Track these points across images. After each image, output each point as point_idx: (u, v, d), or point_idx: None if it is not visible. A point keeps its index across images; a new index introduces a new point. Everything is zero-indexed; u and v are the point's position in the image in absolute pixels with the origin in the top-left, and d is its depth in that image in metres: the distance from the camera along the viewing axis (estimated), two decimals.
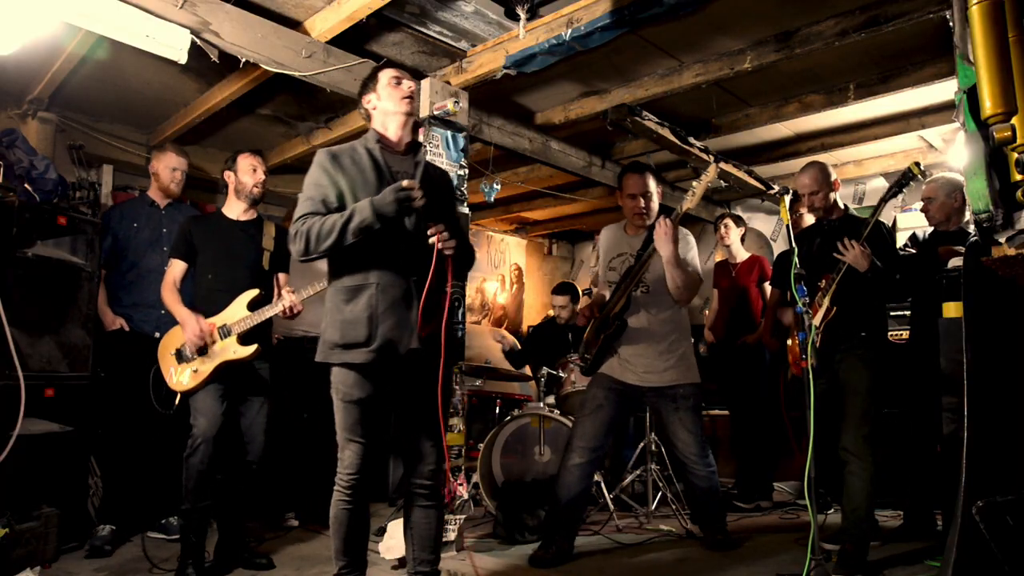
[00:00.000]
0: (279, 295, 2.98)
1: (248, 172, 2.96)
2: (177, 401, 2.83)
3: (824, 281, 2.84)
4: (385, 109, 2.22)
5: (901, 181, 2.78)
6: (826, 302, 2.79)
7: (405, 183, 2.02)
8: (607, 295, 3.19)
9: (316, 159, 2.16)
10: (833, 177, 3.07)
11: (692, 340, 3.30)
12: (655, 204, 3.19)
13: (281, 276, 3.08)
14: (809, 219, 3.82)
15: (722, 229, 4.57)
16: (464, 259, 2.28)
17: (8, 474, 2.67)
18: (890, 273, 2.85)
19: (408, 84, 2.24)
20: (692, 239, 3.18)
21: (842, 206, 3.10)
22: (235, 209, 3.00)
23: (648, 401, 3.23)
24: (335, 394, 2.13)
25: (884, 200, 2.78)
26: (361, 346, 2.05)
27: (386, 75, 2.24)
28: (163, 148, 3.64)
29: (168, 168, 3.51)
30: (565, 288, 4.90)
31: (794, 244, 2.57)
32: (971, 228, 3.36)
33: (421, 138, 3.37)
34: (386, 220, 2.01)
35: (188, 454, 2.74)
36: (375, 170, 2.16)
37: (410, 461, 2.21)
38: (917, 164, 2.72)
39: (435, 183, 2.25)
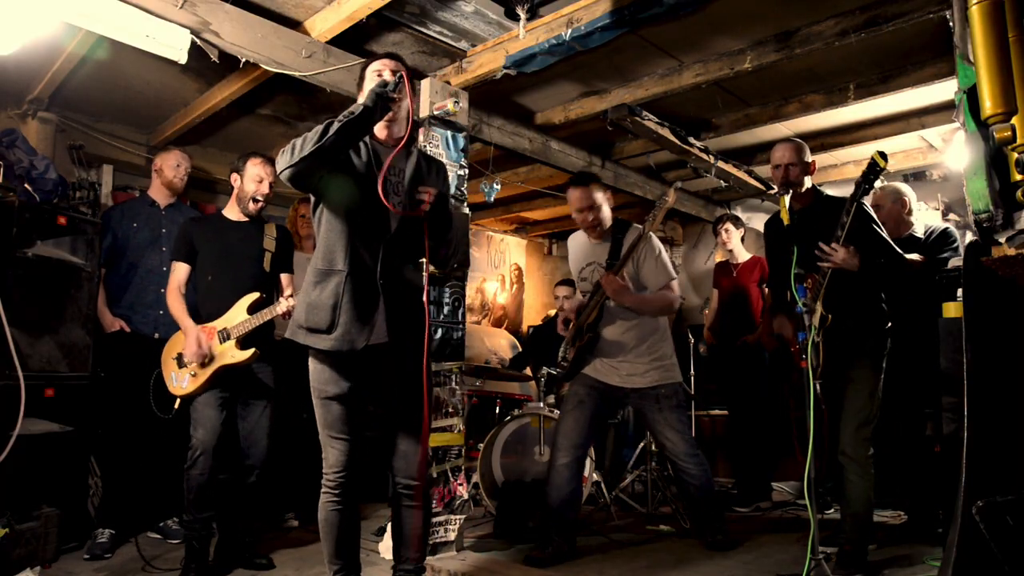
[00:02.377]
0: (282, 296, 2.98)
1: (254, 180, 2.93)
2: (177, 405, 2.83)
3: (810, 281, 2.66)
4: None
5: (868, 175, 2.59)
6: (819, 308, 2.61)
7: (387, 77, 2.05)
8: (586, 300, 3.19)
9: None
10: (811, 158, 2.95)
11: (671, 340, 3.25)
12: (605, 213, 3.13)
13: (284, 277, 3.07)
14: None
15: (723, 233, 4.56)
16: (442, 234, 2.15)
17: (8, 474, 2.67)
18: (890, 259, 2.73)
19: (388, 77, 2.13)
20: (656, 246, 3.10)
21: (809, 185, 2.94)
22: (235, 211, 2.99)
23: (631, 403, 3.23)
24: (313, 393, 2.10)
25: (855, 198, 2.62)
26: (322, 332, 2.02)
27: (370, 70, 2.18)
28: (167, 148, 3.71)
29: (172, 165, 3.54)
30: (569, 282, 4.96)
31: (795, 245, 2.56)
32: (918, 233, 3.44)
33: (421, 139, 3.36)
34: (370, 111, 1.97)
35: (188, 466, 2.75)
36: (366, 156, 2.11)
37: (392, 461, 2.17)
38: (882, 154, 2.54)
39: (424, 172, 2.21)
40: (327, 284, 2.04)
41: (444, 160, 3.39)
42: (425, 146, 3.32)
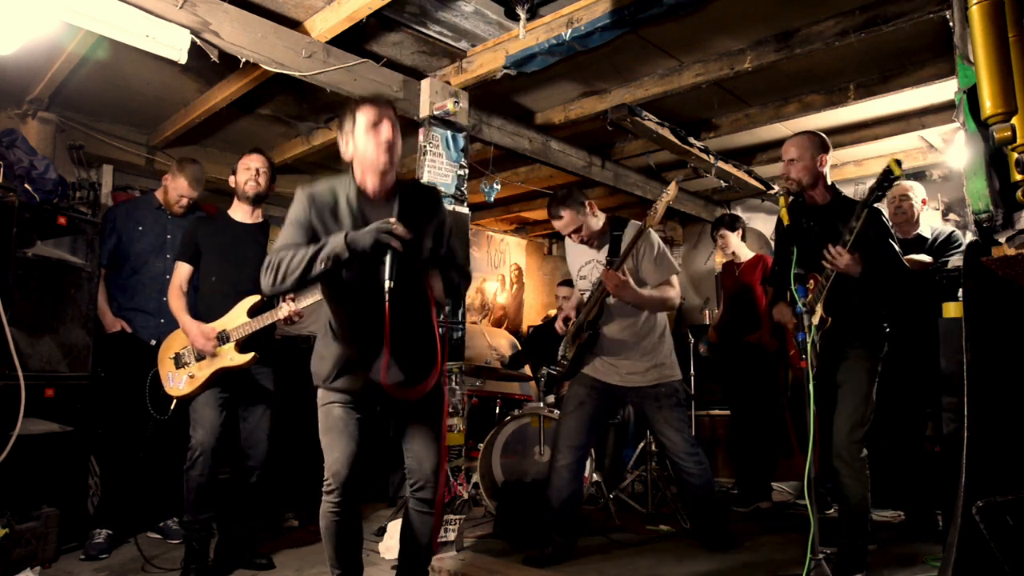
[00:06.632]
0: (282, 300, 2.98)
1: (242, 170, 2.94)
2: (173, 406, 2.83)
3: (812, 282, 2.62)
4: (362, 159, 2.02)
5: (882, 183, 2.51)
6: (819, 309, 2.57)
7: (392, 220, 1.91)
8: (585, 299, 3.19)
9: (297, 195, 2.08)
10: (821, 153, 2.76)
11: (670, 338, 3.24)
12: (591, 223, 3.10)
13: None
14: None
15: (719, 240, 4.46)
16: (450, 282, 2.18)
17: (8, 474, 2.68)
18: (893, 274, 2.69)
19: (387, 131, 1.99)
20: (655, 241, 3.09)
21: (828, 183, 2.82)
22: (240, 211, 2.99)
23: (631, 402, 3.22)
24: (317, 402, 2.15)
25: (867, 204, 2.54)
26: (325, 379, 2.09)
27: (363, 117, 2.00)
28: (183, 168, 3.41)
29: (176, 192, 3.40)
30: (571, 282, 4.98)
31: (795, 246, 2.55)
32: (925, 234, 3.39)
33: (421, 139, 3.36)
34: (358, 256, 1.89)
35: (188, 467, 2.74)
36: (350, 218, 2.04)
37: (405, 465, 2.20)
38: (898, 162, 2.45)
39: (416, 219, 2.05)
40: (331, 338, 2.10)
41: (444, 160, 3.39)
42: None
